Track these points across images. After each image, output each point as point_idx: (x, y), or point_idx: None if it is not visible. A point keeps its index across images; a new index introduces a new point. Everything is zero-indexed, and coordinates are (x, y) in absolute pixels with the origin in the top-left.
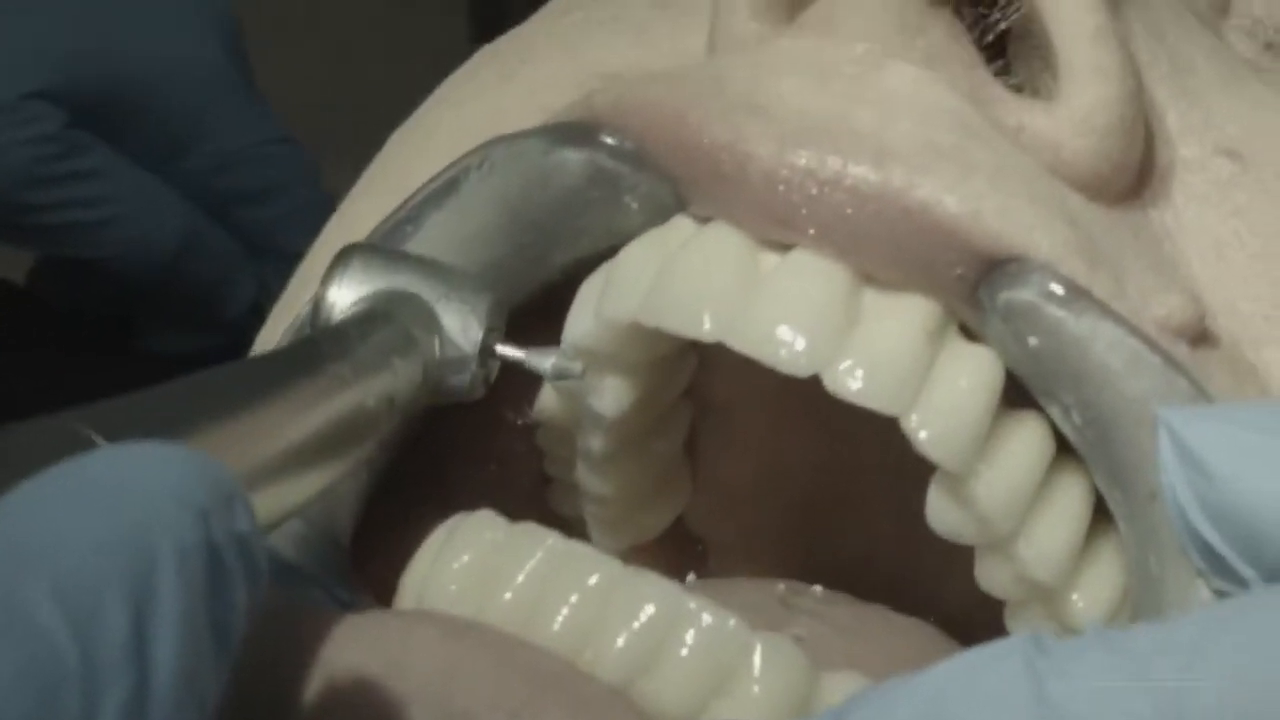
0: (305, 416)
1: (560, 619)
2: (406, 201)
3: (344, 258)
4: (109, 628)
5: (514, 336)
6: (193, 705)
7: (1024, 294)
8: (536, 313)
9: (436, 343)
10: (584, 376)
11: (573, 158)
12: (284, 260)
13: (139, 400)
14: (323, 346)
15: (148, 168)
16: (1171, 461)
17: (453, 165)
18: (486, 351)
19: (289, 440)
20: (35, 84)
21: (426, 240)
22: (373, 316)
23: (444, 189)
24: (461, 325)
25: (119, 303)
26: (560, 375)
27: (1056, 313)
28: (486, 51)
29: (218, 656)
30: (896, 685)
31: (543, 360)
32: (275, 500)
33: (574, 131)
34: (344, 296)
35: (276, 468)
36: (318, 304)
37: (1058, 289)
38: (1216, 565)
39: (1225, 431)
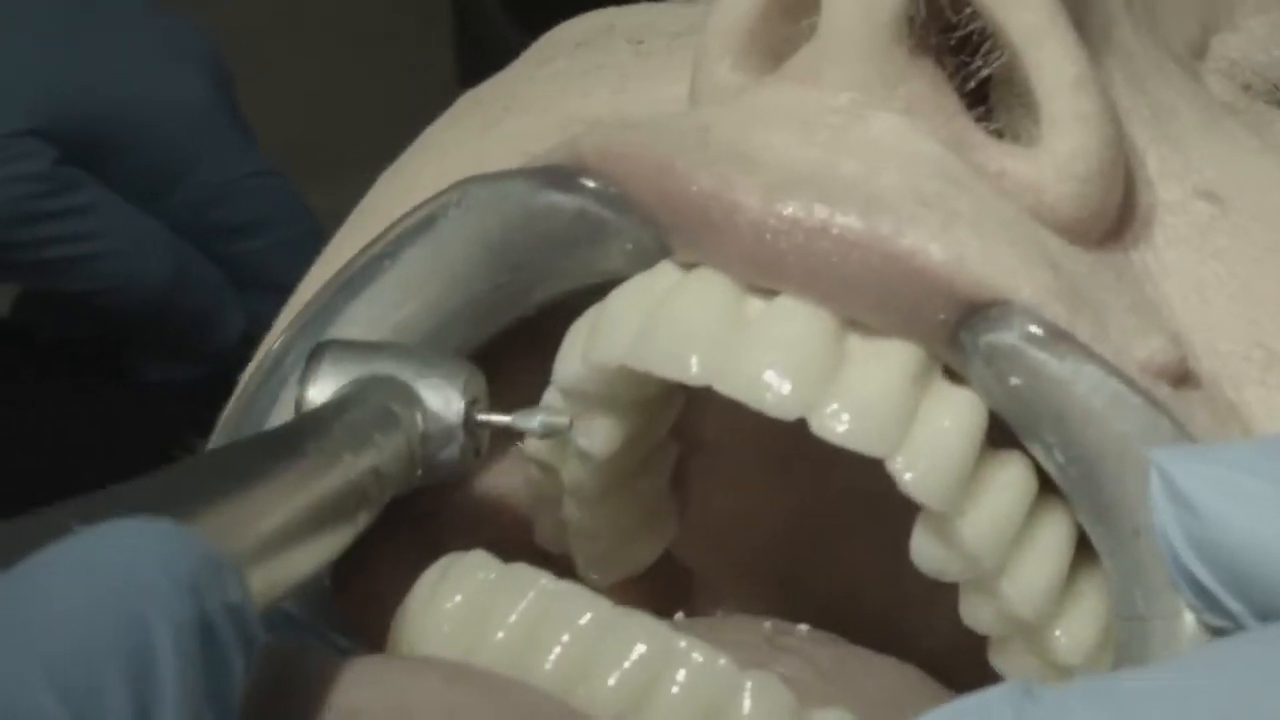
0: (290, 497)
1: (552, 658)
2: (383, 235)
3: (316, 355)
4: (111, 711)
5: (492, 370)
6: None
7: (1006, 337)
8: (516, 345)
9: (419, 416)
10: (572, 429)
11: (556, 200)
12: (273, 291)
13: (125, 491)
14: (301, 428)
15: (136, 202)
16: (1162, 501)
17: (430, 201)
18: (472, 422)
19: (276, 521)
20: (25, 122)
21: (403, 275)
22: (349, 399)
23: (421, 224)
24: (442, 399)
25: (107, 334)
26: (549, 432)
27: (1038, 355)
28: (469, 98)
29: None
30: None
31: (529, 420)
32: (267, 580)
33: (558, 174)
34: (322, 392)
35: (267, 548)
36: (299, 405)
37: (1039, 331)
38: (1206, 601)
39: (1214, 473)
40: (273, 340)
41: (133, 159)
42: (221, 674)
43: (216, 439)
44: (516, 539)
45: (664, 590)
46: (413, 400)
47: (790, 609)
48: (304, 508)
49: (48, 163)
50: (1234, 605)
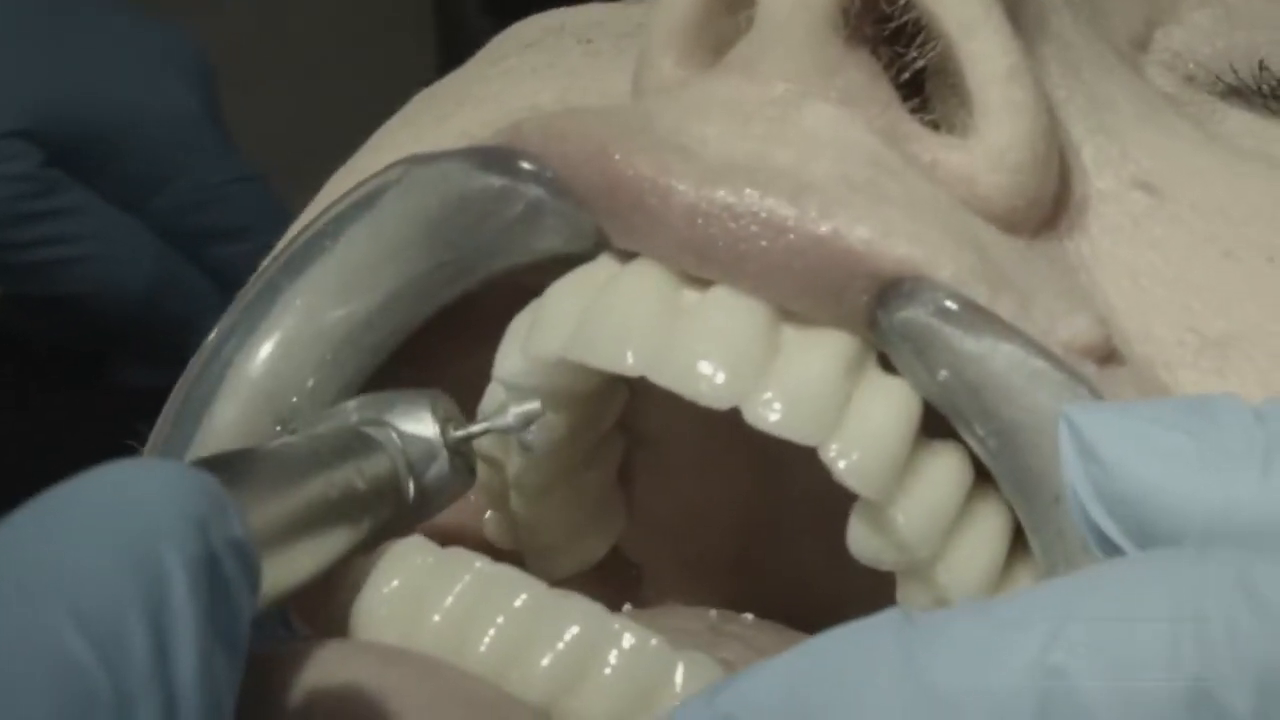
0: (284, 498)
1: (487, 640)
2: (323, 213)
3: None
4: (133, 650)
5: (428, 349)
6: (215, 712)
7: (918, 312)
8: (451, 324)
9: (394, 435)
10: (545, 412)
11: (492, 181)
12: None
13: None
14: (292, 442)
15: (120, 206)
16: (1070, 454)
17: (370, 180)
18: (452, 440)
19: (272, 520)
20: (11, 124)
21: (344, 253)
22: (320, 435)
23: (361, 203)
24: (413, 421)
25: (91, 338)
26: (527, 421)
27: (953, 331)
28: (423, 96)
29: (231, 664)
30: (766, 663)
31: (504, 419)
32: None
33: (495, 155)
34: None
35: (272, 545)
36: None
37: (952, 305)
38: (1112, 554)
39: (1124, 425)
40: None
41: (118, 163)
42: (230, 611)
43: (160, 424)
44: (467, 532)
45: (612, 586)
46: (386, 427)
47: (738, 602)
48: (306, 506)
49: (34, 165)
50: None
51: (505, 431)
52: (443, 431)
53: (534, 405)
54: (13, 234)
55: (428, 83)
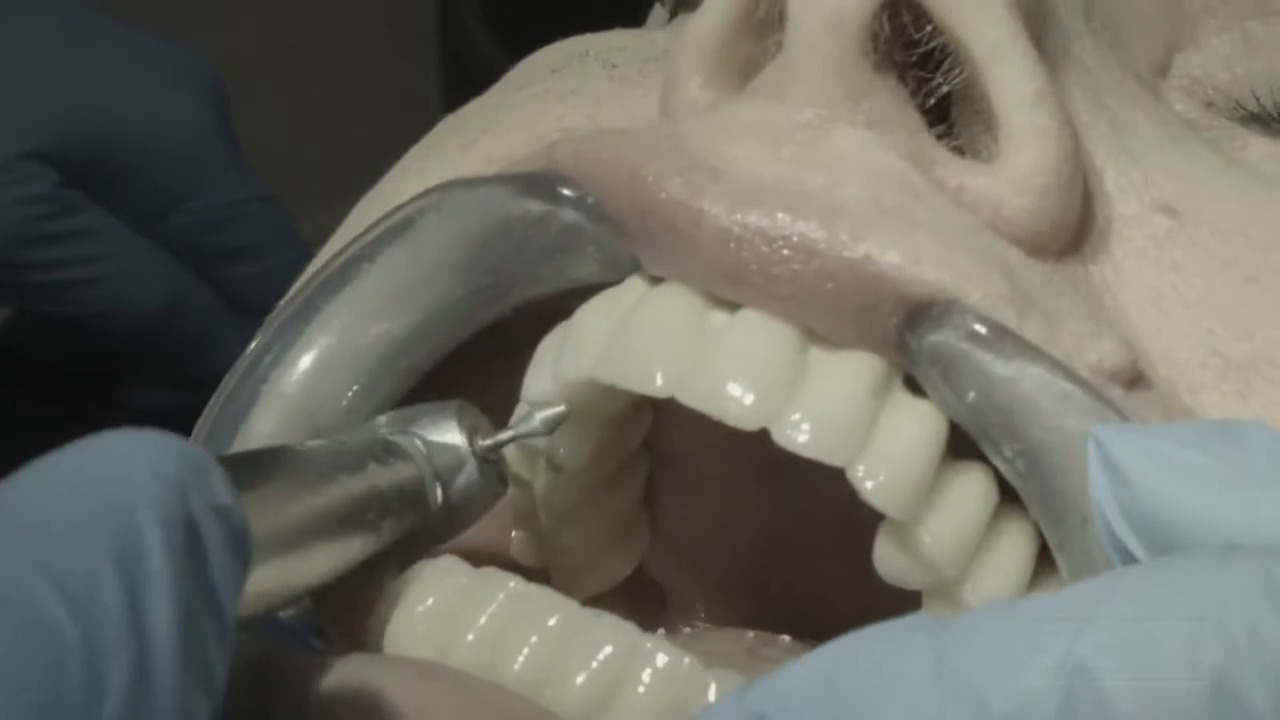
0: (306, 498)
1: (521, 659)
2: (360, 236)
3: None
4: (105, 603)
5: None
6: (197, 677)
7: (948, 335)
8: (482, 347)
9: (420, 444)
10: (570, 413)
11: (534, 207)
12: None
13: None
14: (317, 446)
15: (134, 225)
16: (1098, 474)
17: (409, 204)
18: (480, 449)
19: (293, 518)
20: (28, 144)
21: (381, 276)
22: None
23: (399, 226)
24: (439, 430)
25: (103, 359)
26: (554, 424)
27: (982, 354)
28: (448, 123)
29: (218, 630)
30: (797, 661)
31: (530, 423)
32: (285, 574)
33: (536, 181)
34: None
35: (283, 544)
36: None
37: (982, 330)
38: None
39: (1149, 444)
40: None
41: (133, 182)
42: (214, 574)
43: (193, 439)
44: (495, 551)
45: (638, 607)
46: (412, 436)
47: (762, 622)
48: (324, 507)
49: (50, 186)
50: None
51: (533, 436)
52: (470, 440)
53: (560, 409)
54: (29, 255)
55: (430, 99)
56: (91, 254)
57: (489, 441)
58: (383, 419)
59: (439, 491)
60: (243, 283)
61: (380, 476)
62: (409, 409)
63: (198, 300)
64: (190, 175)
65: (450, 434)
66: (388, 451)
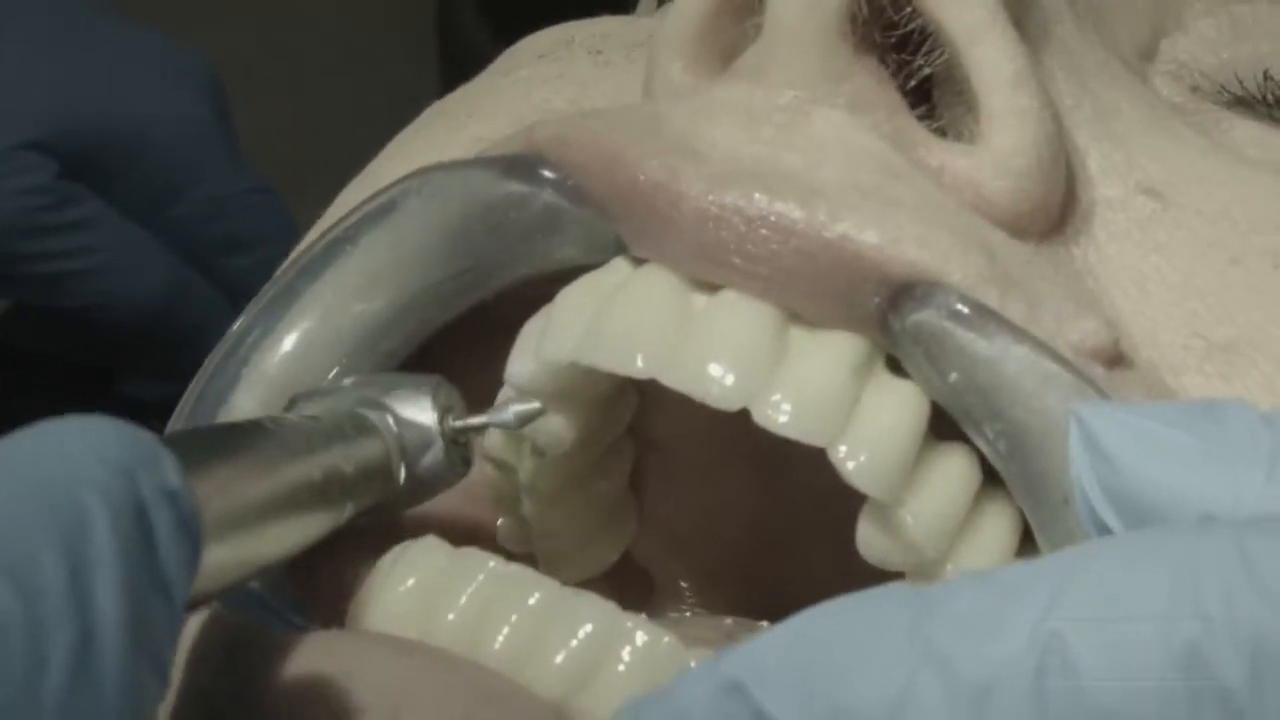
0: (268, 473)
1: (501, 638)
2: (343, 220)
3: (287, 408)
4: (47, 580)
5: (451, 362)
6: (144, 658)
7: (931, 316)
8: (469, 332)
9: (391, 421)
10: (545, 411)
11: (515, 189)
12: None
13: None
14: (280, 420)
15: (133, 217)
16: (1079, 451)
17: (391, 187)
18: (449, 430)
19: (254, 494)
20: (26, 135)
21: (363, 259)
22: (323, 411)
23: (381, 209)
24: (414, 407)
25: (100, 351)
26: (526, 420)
27: (965, 334)
28: (435, 108)
29: (166, 612)
30: (772, 629)
31: (503, 414)
32: (244, 551)
33: (517, 164)
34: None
35: (243, 520)
36: None
37: (963, 308)
38: None
39: (1131, 423)
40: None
41: (132, 174)
42: (163, 558)
43: (174, 421)
44: (481, 536)
45: (623, 593)
46: (384, 410)
47: (749, 608)
48: (283, 485)
49: (48, 176)
50: None
51: (502, 428)
52: (441, 419)
53: (534, 405)
54: (27, 246)
55: (429, 96)
56: (90, 245)
57: (459, 424)
58: (356, 381)
59: (403, 469)
60: (240, 274)
61: (345, 455)
62: (388, 375)
63: (196, 291)
64: (188, 167)
65: (423, 412)
66: (357, 428)
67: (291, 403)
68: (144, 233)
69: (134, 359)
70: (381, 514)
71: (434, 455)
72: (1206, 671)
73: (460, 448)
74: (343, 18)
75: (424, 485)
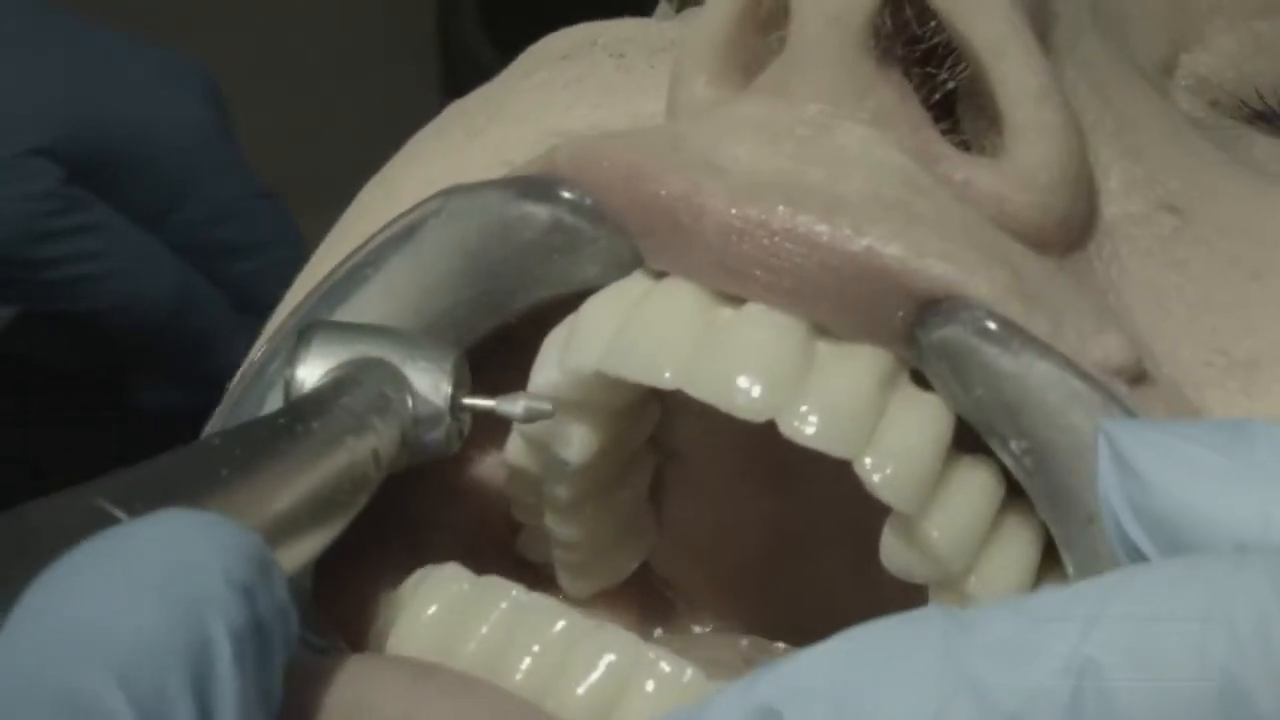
0: (296, 479)
1: (523, 668)
2: (364, 245)
3: (305, 336)
4: (176, 716)
5: (474, 381)
6: None
7: (957, 330)
8: (493, 357)
9: (409, 400)
10: (555, 415)
11: (533, 211)
12: (270, 313)
13: (135, 475)
14: (303, 412)
15: (138, 222)
16: (1107, 469)
17: (411, 211)
18: (458, 407)
19: (285, 504)
20: (33, 141)
21: (385, 284)
22: (344, 381)
23: (402, 234)
24: (431, 383)
25: (109, 357)
26: (532, 417)
27: (990, 350)
28: (455, 108)
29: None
30: (805, 651)
31: (513, 405)
32: (284, 560)
33: (534, 185)
34: (312, 373)
35: (277, 530)
36: (288, 384)
37: (991, 325)
38: None
39: (1159, 441)
40: (257, 350)
41: (137, 178)
42: (270, 673)
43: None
44: (501, 545)
45: (642, 603)
46: (402, 384)
47: (768, 619)
48: (309, 490)
49: (55, 182)
50: None
51: (508, 417)
52: (453, 399)
53: (545, 405)
54: (36, 251)
55: (429, 104)
56: (97, 250)
57: (467, 401)
58: (384, 336)
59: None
60: (243, 278)
61: (361, 450)
62: (413, 335)
63: (203, 296)
64: (192, 172)
65: (438, 392)
66: (379, 412)
67: (310, 331)
68: (150, 238)
69: (143, 365)
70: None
71: (435, 435)
72: (1241, 701)
73: (459, 422)
74: (343, 25)
75: (418, 457)
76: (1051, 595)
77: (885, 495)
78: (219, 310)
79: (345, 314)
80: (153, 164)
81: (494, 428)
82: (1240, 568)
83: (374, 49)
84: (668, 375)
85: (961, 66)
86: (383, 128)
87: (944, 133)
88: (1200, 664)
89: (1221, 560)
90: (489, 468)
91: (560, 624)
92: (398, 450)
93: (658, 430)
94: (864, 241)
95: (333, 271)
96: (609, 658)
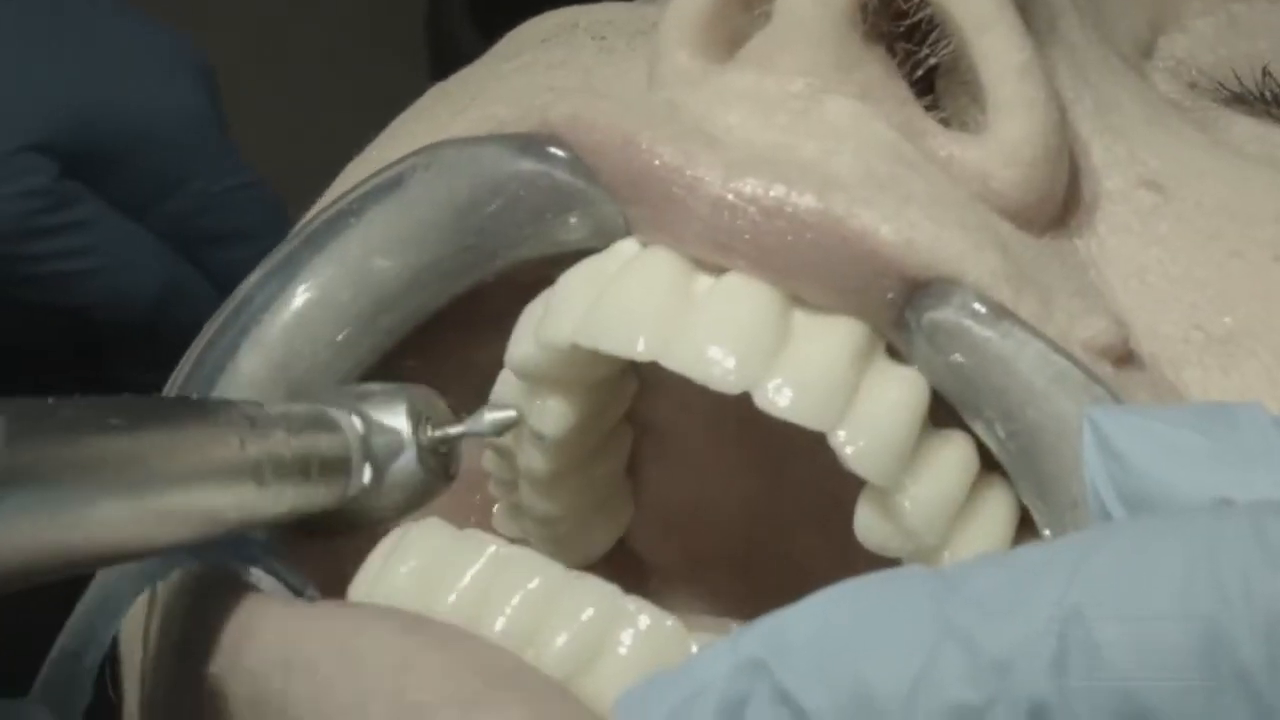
0: (209, 448)
1: (503, 620)
2: (348, 193)
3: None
4: None
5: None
6: None
7: (948, 313)
8: (462, 315)
9: (356, 420)
10: (520, 420)
11: (527, 167)
12: None
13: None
14: (240, 403)
15: (127, 212)
16: (1093, 453)
17: (399, 162)
18: (425, 439)
19: (191, 463)
20: (27, 138)
21: (368, 232)
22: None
23: (388, 184)
24: (385, 410)
25: (95, 348)
26: (501, 428)
27: (981, 331)
28: (437, 90)
29: None
30: (792, 607)
31: (479, 423)
32: (185, 511)
33: (530, 142)
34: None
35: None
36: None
37: (981, 308)
38: None
39: (1145, 426)
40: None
41: (127, 169)
42: None
43: (169, 386)
44: (478, 522)
45: (618, 580)
46: (354, 414)
47: (744, 596)
48: (221, 461)
49: (50, 178)
50: None
51: (478, 436)
52: (415, 427)
53: (510, 414)
54: (29, 247)
55: (418, 97)
56: (90, 245)
57: (437, 434)
58: (337, 389)
59: (367, 471)
60: (233, 268)
61: (286, 442)
62: (365, 385)
63: (192, 287)
64: (183, 160)
65: (395, 417)
66: (315, 423)
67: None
68: (140, 229)
69: (130, 355)
70: (366, 523)
71: (407, 461)
72: (1224, 648)
73: (441, 458)
74: (331, 16)
75: (400, 491)
76: (1035, 549)
77: (860, 468)
78: (207, 299)
79: (326, 259)
80: (145, 154)
81: (470, 403)
82: (1222, 517)
83: (362, 40)
84: (642, 347)
85: (944, 42)
86: (371, 119)
87: (926, 109)
88: (1184, 612)
89: (1204, 512)
90: (466, 442)
91: (539, 577)
92: (347, 461)
93: (635, 405)
94: (857, 223)
95: (314, 215)
96: (588, 610)
